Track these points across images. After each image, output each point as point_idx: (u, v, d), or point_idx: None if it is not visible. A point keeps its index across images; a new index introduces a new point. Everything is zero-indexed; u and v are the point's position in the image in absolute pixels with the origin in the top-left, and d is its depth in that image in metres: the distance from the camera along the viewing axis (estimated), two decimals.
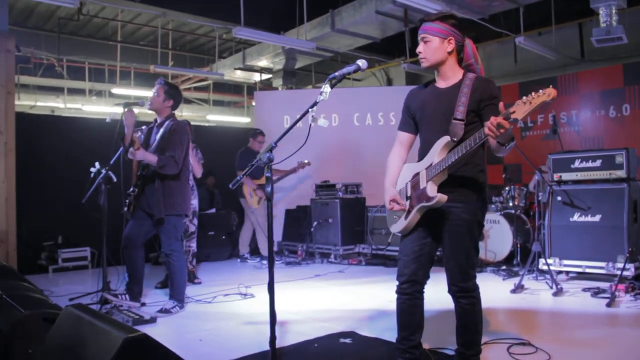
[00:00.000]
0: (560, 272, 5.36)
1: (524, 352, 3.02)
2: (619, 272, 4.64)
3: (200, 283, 5.66)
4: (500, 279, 5.50)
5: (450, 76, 2.53)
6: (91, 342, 1.80)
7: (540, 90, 2.06)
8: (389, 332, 3.52)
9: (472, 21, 8.20)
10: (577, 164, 5.37)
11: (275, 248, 8.08)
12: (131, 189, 4.40)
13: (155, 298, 4.84)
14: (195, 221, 6.02)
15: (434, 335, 3.27)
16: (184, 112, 14.29)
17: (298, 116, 2.55)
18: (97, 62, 12.44)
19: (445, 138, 2.41)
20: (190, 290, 4.98)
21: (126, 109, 4.11)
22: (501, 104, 2.18)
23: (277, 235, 8.18)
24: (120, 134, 4.10)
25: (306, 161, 7.26)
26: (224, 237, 7.81)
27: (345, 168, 8.29)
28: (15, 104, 5.85)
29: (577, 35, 9.65)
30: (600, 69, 8.81)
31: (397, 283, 2.59)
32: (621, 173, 5.07)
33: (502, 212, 6.36)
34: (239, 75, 12.57)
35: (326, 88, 2.46)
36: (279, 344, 2.69)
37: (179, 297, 4.31)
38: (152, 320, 3.94)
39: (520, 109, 2.08)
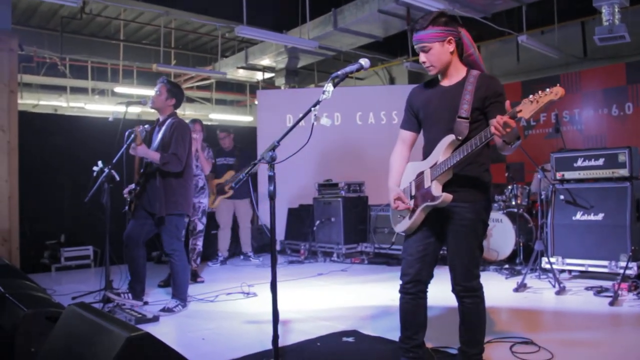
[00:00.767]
0: (562, 271, 5.35)
1: (526, 350, 3.02)
2: (621, 271, 4.63)
3: (202, 282, 5.67)
4: (503, 278, 5.49)
5: (454, 74, 2.50)
6: (94, 341, 1.80)
7: (547, 89, 2.02)
8: (392, 331, 3.52)
9: (475, 20, 8.18)
10: (579, 162, 5.35)
11: (277, 247, 8.08)
12: (132, 186, 4.40)
13: (157, 297, 4.85)
14: (204, 220, 6.04)
15: (437, 334, 3.26)
16: (186, 111, 14.29)
17: (301, 115, 2.55)
18: (100, 61, 12.45)
19: (450, 137, 2.38)
20: (192, 289, 4.99)
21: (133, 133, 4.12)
22: (507, 103, 2.15)
23: (279, 235, 8.19)
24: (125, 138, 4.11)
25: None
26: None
27: (347, 167, 8.28)
28: (18, 103, 5.86)
29: (579, 33, 9.62)
30: (602, 67, 8.79)
31: (400, 282, 2.57)
32: (624, 172, 5.06)
33: (504, 211, 6.36)
34: (242, 74, 12.56)
35: (329, 87, 2.46)
36: (281, 342, 2.69)
37: (181, 296, 4.31)
38: (155, 319, 3.95)
39: (527, 108, 2.05)
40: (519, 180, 7.49)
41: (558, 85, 2.03)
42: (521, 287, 4.84)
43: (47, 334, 2.15)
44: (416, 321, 2.56)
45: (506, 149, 2.28)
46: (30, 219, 6.53)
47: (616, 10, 6.55)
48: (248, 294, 4.89)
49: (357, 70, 2.56)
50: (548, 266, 5.07)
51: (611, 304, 4.16)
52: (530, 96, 2.05)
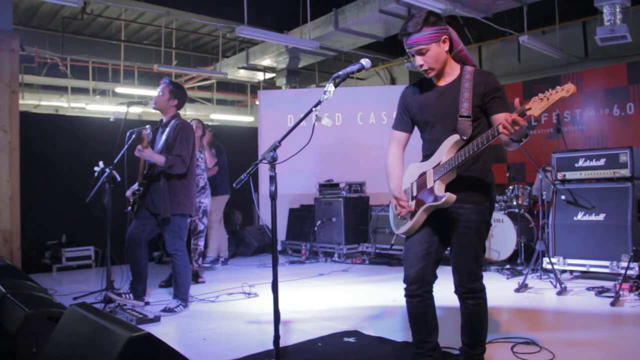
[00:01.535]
0: (564, 271, 5.35)
1: (528, 351, 3.02)
2: (623, 271, 4.63)
3: (204, 282, 5.67)
4: (504, 278, 5.49)
5: (449, 73, 2.46)
6: (95, 341, 1.80)
7: (558, 87, 2.00)
8: (393, 331, 3.52)
9: (476, 20, 8.18)
10: (581, 162, 5.35)
11: (278, 247, 8.08)
12: (135, 187, 4.40)
13: (159, 297, 4.85)
14: (205, 220, 6.03)
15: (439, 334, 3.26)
16: (187, 111, 14.28)
17: (302, 115, 2.54)
18: (101, 61, 12.44)
19: (454, 137, 2.35)
20: (194, 289, 4.99)
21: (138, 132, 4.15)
22: (517, 100, 2.10)
23: (280, 235, 8.19)
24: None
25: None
26: (227, 236, 7.80)
27: (348, 167, 8.28)
28: (19, 103, 5.87)
29: (581, 33, 9.62)
30: (604, 67, 8.78)
31: (404, 285, 2.49)
32: (625, 172, 5.06)
33: (506, 211, 6.35)
34: (243, 74, 12.56)
35: (330, 87, 2.46)
36: (282, 342, 2.69)
37: (182, 297, 4.31)
38: (156, 319, 3.95)
39: (537, 105, 2.03)
40: (520, 180, 7.48)
41: (570, 82, 2.00)
42: (522, 287, 4.83)
43: (48, 334, 2.15)
44: (427, 324, 2.49)
45: (512, 145, 2.26)
46: (31, 219, 6.54)
47: (617, 10, 6.55)
48: (249, 294, 4.89)
49: (358, 70, 2.56)
50: (549, 266, 5.07)
51: (612, 304, 4.16)
52: (540, 94, 2.03)
